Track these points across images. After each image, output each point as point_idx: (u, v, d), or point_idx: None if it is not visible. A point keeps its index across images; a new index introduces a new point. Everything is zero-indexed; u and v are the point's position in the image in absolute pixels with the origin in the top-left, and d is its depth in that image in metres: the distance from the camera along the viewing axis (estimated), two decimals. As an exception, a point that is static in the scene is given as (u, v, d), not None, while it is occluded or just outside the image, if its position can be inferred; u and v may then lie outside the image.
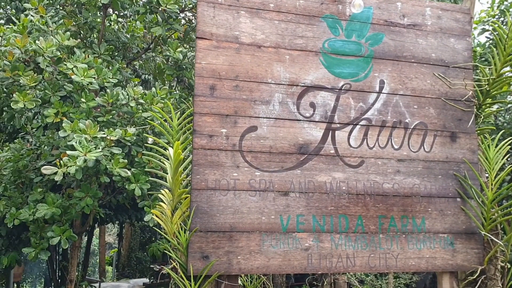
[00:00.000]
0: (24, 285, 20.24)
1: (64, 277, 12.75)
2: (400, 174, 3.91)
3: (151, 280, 14.58)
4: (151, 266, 14.62)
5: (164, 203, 3.26)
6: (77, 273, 10.53)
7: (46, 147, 9.85)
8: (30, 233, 9.37)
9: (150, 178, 9.44)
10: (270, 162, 3.53)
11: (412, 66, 4.15)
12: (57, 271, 13.06)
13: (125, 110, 9.15)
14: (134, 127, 8.83)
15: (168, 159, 3.47)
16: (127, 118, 9.42)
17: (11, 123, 10.20)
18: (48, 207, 8.71)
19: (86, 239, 13.49)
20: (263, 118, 3.61)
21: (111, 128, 8.43)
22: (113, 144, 8.37)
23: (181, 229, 3.18)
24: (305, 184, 3.62)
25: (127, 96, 9.05)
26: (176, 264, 3.22)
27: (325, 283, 11.76)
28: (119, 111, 9.17)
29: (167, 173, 3.39)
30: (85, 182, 9.26)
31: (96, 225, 14.56)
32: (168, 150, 3.43)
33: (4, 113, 9.67)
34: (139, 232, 22.15)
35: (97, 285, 13.55)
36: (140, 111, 9.34)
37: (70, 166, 7.55)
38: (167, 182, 3.42)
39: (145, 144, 9.47)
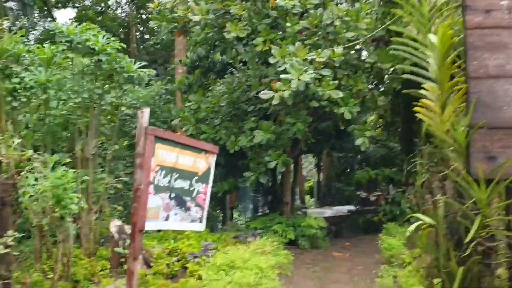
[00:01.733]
0: (237, 211, 22.50)
1: (275, 201, 13.59)
2: None
3: (357, 207, 14.57)
4: (357, 193, 14.56)
5: (428, 99, 2.79)
6: (291, 198, 11.03)
7: (253, 79, 10.24)
8: (248, 159, 10.06)
9: (357, 101, 9.09)
10: None
11: None
12: (268, 196, 14.02)
13: (329, 31, 8.80)
14: (340, 47, 8.44)
15: (426, 48, 2.94)
16: (331, 40, 9.07)
17: (223, 56, 10.87)
18: (263, 133, 9.12)
19: (292, 167, 14.05)
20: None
21: (318, 50, 8.22)
22: (322, 66, 8.18)
23: (452, 128, 2.70)
24: None
25: (331, 16, 8.64)
26: (454, 165, 2.76)
27: None
28: (324, 33, 8.87)
29: (428, 64, 2.89)
30: (294, 108, 9.40)
31: (300, 155, 15.07)
32: (428, 37, 2.90)
33: (217, 47, 10.28)
34: (336, 162, 22.35)
35: (304, 210, 14.11)
36: (344, 30, 8.89)
37: (284, 90, 7.63)
38: (424, 77, 2.94)
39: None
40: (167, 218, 4.27)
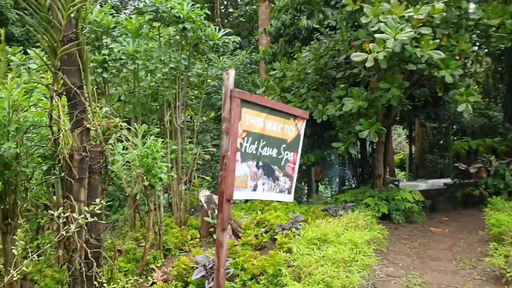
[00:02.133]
0: (323, 183, 22.08)
1: (366, 174, 13.00)
2: None
3: (454, 180, 13.50)
4: (455, 165, 13.46)
5: None
6: (383, 170, 10.39)
7: (342, 43, 9.64)
8: (337, 129, 9.56)
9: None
10: None
11: None
12: (358, 168, 13.41)
13: (429, -16, 7.92)
14: (441, 2, 7.56)
15: None
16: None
17: (309, 21, 10.36)
18: (354, 101, 8.56)
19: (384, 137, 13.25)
20: None
21: (416, 6, 7.43)
22: (420, 24, 7.40)
23: None
24: None
25: (431, -33, 7.75)
26: None
27: None
28: (421, -13, 8.00)
29: None
30: (388, 72, 8.70)
31: (393, 124, 14.20)
32: None
33: (302, 12, 9.78)
34: (430, 133, 21.03)
35: (396, 183, 13.37)
36: (446, -17, 7.95)
37: (378, 52, 7.01)
38: None
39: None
40: (255, 188, 4.02)
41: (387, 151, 12.79)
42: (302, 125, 4.54)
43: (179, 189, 8.31)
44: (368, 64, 6.85)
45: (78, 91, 3.76)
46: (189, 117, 9.54)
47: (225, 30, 7.76)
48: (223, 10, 25.22)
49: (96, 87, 7.86)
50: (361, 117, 8.82)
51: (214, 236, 7.07)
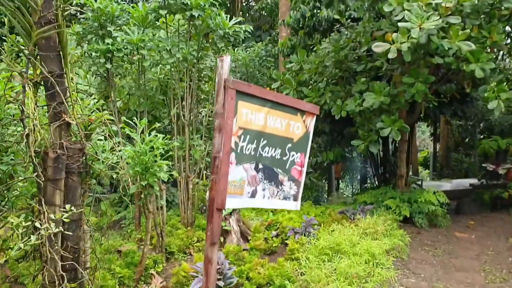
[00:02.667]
0: (343, 181, 21.46)
1: (387, 172, 12.36)
2: None
3: (481, 181, 12.73)
4: (483, 165, 12.68)
5: None
6: (406, 169, 9.74)
7: (364, 34, 9.03)
8: (357, 125, 8.98)
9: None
10: None
11: None
12: (379, 167, 12.77)
13: (459, -31, 7.25)
14: (475, -11, 6.91)
15: None
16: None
17: (329, 11, 9.79)
18: (375, 96, 7.96)
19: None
20: None
21: (446, -7, 6.79)
22: (448, 13, 6.75)
23: None
24: None
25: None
26: None
27: None
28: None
29: None
30: (413, 66, 8.08)
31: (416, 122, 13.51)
32: None
33: (322, 2, 9.19)
34: (456, 131, 20.17)
35: (419, 183, 12.71)
36: (478, -32, 7.28)
37: (402, 42, 6.41)
38: None
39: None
40: (253, 194, 3.49)
41: (411, 150, 12.13)
42: (311, 122, 3.97)
43: (186, 187, 7.86)
44: (390, 56, 6.24)
45: (57, 80, 3.32)
46: (200, 111, 9.07)
47: (236, 19, 7.24)
48: (244, 4, 24.73)
49: (104, 78, 7.54)
50: (383, 113, 8.21)
51: (221, 238, 6.62)
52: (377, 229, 6.14)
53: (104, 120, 3.71)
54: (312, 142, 12.42)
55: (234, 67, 9.79)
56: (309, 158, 12.93)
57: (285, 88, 9.30)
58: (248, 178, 3.40)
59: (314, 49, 10.67)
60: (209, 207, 3.12)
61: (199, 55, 7.82)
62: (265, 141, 3.52)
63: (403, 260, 6.53)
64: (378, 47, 6.41)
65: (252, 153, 3.43)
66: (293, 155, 3.79)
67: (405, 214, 8.66)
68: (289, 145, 3.77)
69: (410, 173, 19.58)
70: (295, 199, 3.89)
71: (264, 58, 11.80)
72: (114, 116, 6.91)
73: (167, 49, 6.87)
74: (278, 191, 3.72)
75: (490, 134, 15.71)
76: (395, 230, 6.87)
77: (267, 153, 3.54)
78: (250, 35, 9.74)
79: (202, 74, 8.81)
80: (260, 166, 3.54)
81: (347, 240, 5.47)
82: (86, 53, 6.76)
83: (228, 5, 21.94)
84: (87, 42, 6.71)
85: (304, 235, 6.48)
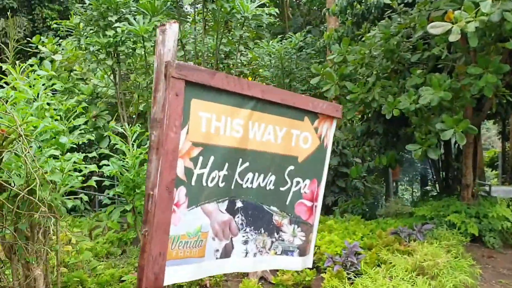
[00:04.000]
0: (402, 183, 19.81)
1: (450, 179, 10.80)
2: None
3: None
4: None
5: None
6: (472, 177, 8.18)
7: (418, 18, 7.61)
8: (413, 126, 7.59)
9: None
10: None
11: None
12: (441, 171, 11.20)
13: None
14: None
15: None
16: None
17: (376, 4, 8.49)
18: (433, 91, 6.53)
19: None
20: None
21: (525, -44, 5.30)
22: (530, -18, 5.27)
23: None
24: None
25: None
26: None
27: None
28: None
29: None
30: (480, 53, 6.60)
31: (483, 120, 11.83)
32: None
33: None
34: (527, 128, 18.06)
35: (487, 189, 11.05)
36: None
37: (467, 21, 5.00)
38: None
39: None
40: (225, 253, 2.27)
41: (477, 152, 10.45)
42: (329, 130, 2.65)
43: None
44: (452, 39, 4.84)
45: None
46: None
47: (261, 1, 6.09)
48: (294, 0, 23.59)
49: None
50: (444, 112, 6.77)
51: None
52: (437, 262, 4.77)
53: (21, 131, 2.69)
54: (363, 144, 10.86)
55: (265, 62, 8.63)
56: (361, 162, 11.57)
57: (325, 83, 8.03)
58: (214, 226, 2.21)
59: (363, 39, 9.34)
60: (138, 284, 1.94)
61: (229, 50, 6.79)
62: (245, 164, 2.29)
63: (472, 302, 5.12)
64: (436, 27, 5.03)
65: (221, 184, 2.21)
66: (297, 182, 2.51)
67: (473, 232, 7.19)
68: (291, 167, 2.48)
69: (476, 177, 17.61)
70: (303, 253, 2.58)
71: (303, 50, 10.50)
72: (122, 122, 6.00)
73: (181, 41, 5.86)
74: (272, 242, 2.46)
75: None
76: (460, 259, 5.45)
77: (251, 182, 2.32)
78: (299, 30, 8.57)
79: (232, 72, 7.77)
80: (239, 204, 2.29)
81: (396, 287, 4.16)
82: (85, 48, 5.88)
83: (277, 1, 21.03)
84: (85, 35, 5.82)
85: (345, 266, 5.24)
